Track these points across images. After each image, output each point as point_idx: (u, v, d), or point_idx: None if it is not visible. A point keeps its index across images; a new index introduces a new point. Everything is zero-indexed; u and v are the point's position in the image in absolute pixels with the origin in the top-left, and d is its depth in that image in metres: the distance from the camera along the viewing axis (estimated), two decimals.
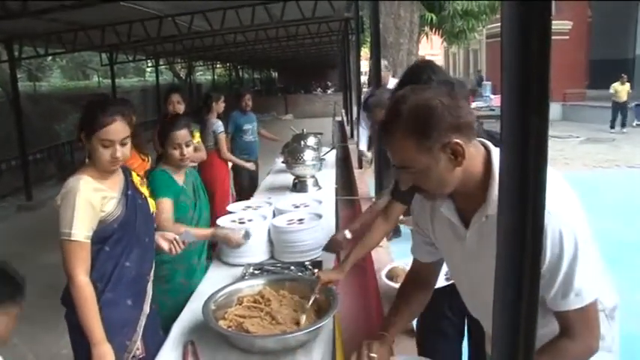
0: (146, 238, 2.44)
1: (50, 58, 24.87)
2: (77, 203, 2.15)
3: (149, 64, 21.17)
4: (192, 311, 2.39)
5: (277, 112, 25.82)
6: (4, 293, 1.71)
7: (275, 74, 43.93)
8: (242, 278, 2.66)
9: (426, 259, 1.74)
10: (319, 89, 31.62)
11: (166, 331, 2.33)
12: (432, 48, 26.51)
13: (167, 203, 2.82)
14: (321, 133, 6.47)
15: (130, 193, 2.37)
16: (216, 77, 33.18)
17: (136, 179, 2.50)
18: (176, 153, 2.91)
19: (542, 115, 0.78)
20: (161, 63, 21.32)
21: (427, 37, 17.26)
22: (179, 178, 2.94)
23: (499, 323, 0.90)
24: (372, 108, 3.54)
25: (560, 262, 1.31)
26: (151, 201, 2.54)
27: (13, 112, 10.42)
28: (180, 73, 29.13)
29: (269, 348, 1.99)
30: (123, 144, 2.24)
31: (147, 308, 2.43)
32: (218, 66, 31.67)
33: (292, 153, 4.61)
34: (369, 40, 7.33)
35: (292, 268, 2.87)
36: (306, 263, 2.91)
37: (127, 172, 2.44)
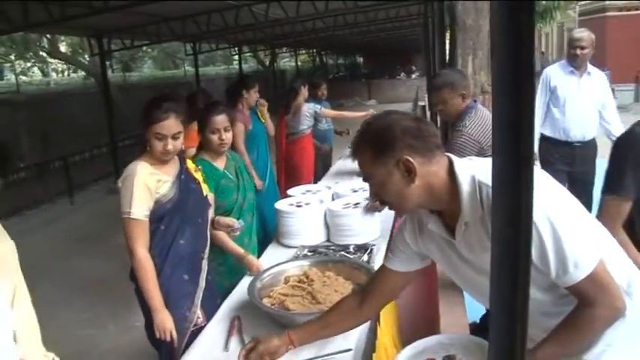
0: (199, 218, 2.63)
1: (143, 49, 26.12)
2: (135, 185, 2.39)
3: (233, 52, 21.62)
4: (241, 289, 2.53)
5: (360, 98, 25.70)
6: None
7: (360, 59, 43.56)
8: (294, 259, 2.75)
9: (401, 268, 1.77)
10: (403, 74, 31.07)
11: None
12: None
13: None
14: None
15: (183, 178, 2.57)
16: (300, 63, 33.37)
17: (191, 166, 2.70)
18: (215, 138, 2.93)
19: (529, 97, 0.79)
20: (245, 51, 21.76)
21: None
22: (220, 164, 3.01)
23: (496, 301, 0.92)
24: (432, 89, 3.44)
25: (544, 244, 1.36)
26: (204, 185, 2.72)
27: (104, 102, 11.03)
28: (265, 60, 29.49)
29: None
30: (175, 138, 2.46)
31: (202, 283, 2.62)
32: (302, 52, 31.87)
33: None
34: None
35: (350, 249, 2.94)
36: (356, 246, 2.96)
37: (181, 160, 2.63)
